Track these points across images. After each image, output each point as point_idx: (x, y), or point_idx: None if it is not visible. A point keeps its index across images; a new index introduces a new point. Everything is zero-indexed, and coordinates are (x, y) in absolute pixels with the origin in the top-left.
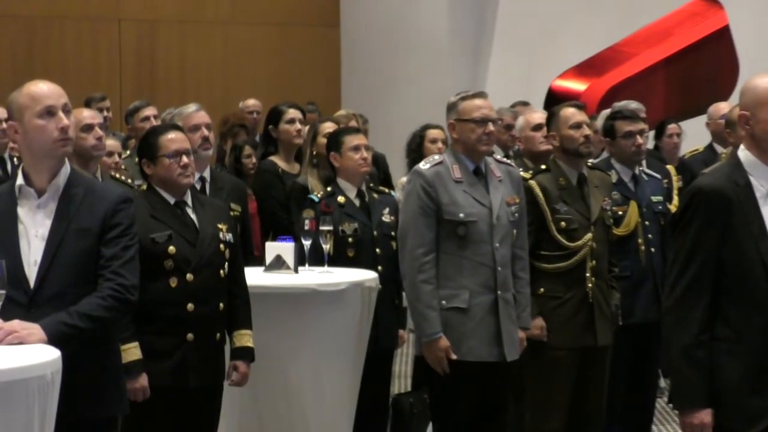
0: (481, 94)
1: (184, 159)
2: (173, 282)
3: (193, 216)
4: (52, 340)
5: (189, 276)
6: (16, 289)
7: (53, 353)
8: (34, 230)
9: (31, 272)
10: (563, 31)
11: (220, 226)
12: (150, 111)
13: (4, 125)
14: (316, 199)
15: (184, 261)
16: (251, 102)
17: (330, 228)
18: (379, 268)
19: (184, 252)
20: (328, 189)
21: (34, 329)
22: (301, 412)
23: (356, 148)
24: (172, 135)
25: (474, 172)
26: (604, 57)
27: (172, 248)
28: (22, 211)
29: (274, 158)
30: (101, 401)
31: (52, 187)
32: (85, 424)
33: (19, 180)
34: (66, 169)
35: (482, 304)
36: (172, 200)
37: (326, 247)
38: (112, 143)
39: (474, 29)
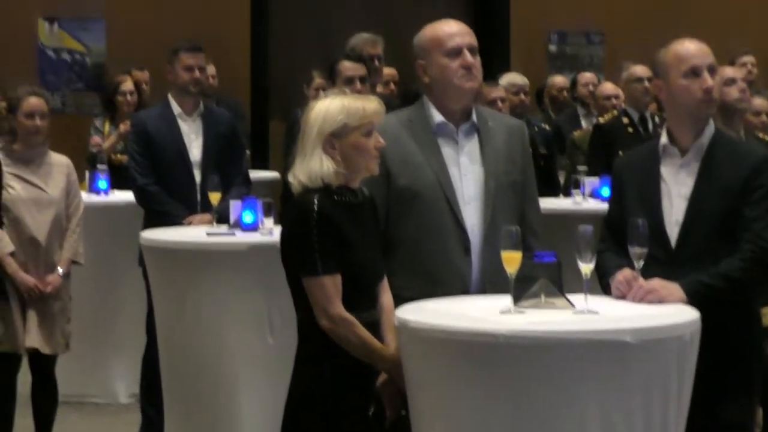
0: None
1: None
2: None
3: None
4: (691, 300)
5: None
6: (657, 248)
7: (692, 314)
8: (677, 189)
9: (673, 231)
10: None
11: None
12: None
13: (647, 84)
14: None
15: None
16: None
17: None
18: None
19: None
20: None
21: (674, 288)
22: None
23: None
24: None
25: None
26: None
27: None
28: (665, 170)
29: None
30: (738, 361)
31: (695, 146)
32: (721, 384)
33: (663, 139)
34: (710, 128)
35: None
36: None
37: None
38: (760, 102)
39: None
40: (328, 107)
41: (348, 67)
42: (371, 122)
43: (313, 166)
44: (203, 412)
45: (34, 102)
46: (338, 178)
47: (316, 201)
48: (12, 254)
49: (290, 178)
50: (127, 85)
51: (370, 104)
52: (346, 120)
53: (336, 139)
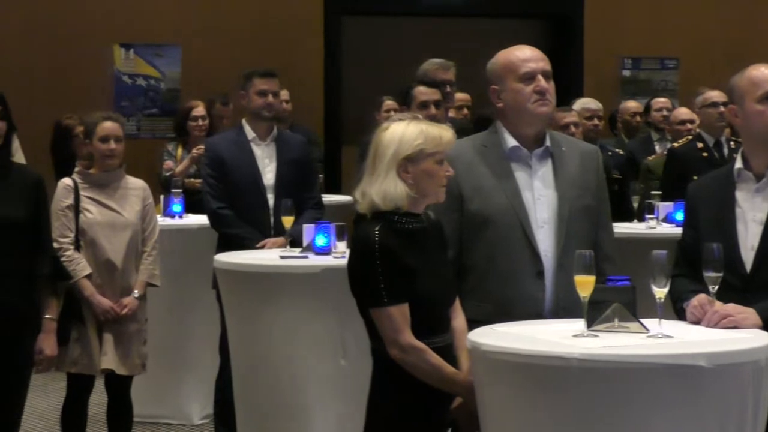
0: None
1: None
2: None
3: None
4: (767, 326)
5: None
6: (732, 273)
7: (767, 339)
8: (752, 214)
9: (748, 256)
10: None
11: None
12: None
13: (722, 109)
14: None
15: None
16: None
17: None
18: None
19: None
20: None
21: (749, 314)
22: None
23: None
24: None
25: None
26: None
27: None
28: (740, 195)
29: None
30: None
31: None
32: None
33: (738, 163)
34: None
35: None
36: None
37: None
38: None
39: None
40: (404, 131)
41: (423, 91)
42: (444, 151)
43: (388, 188)
44: None
45: (108, 126)
46: (408, 202)
47: (377, 232)
48: (88, 277)
49: (357, 196)
50: (199, 110)
51: (446, 133)
52: (424, 145)
53: (410, 163)
